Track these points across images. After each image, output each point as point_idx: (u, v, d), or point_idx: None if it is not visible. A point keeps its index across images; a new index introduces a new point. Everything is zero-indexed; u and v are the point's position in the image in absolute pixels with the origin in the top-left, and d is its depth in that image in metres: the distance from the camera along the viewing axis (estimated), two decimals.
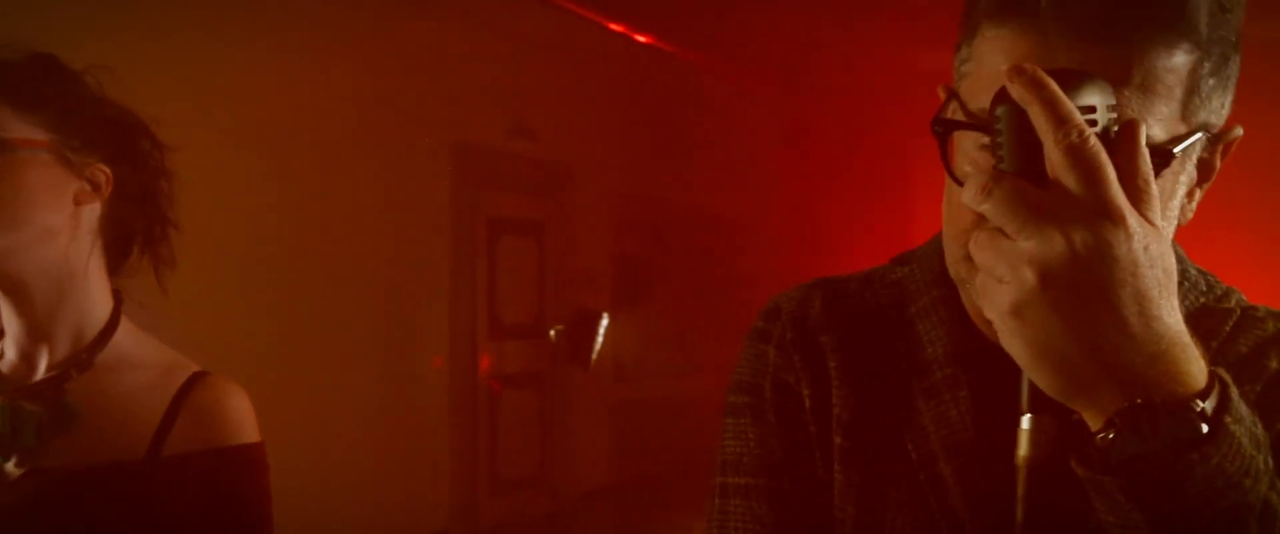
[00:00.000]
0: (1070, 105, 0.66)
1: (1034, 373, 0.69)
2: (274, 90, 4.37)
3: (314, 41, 4.63)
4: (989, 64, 0.81)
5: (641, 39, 6.69)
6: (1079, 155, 0.65)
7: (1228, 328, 0.91)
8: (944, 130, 0.81)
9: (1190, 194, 0.84)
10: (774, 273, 7.81)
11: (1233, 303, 0.94)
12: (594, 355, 6.07)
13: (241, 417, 1.29)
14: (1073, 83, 0.69)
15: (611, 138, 6.89)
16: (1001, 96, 0.69)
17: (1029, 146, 0.68)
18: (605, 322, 6.03)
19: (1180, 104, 0.78)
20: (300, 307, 4.56)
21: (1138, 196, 0.67)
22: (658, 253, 7.54)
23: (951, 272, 0.90)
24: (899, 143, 6.80)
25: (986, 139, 0.79)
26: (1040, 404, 0.72)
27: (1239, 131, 0.84)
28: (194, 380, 1.29)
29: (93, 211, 1.30)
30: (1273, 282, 3.38)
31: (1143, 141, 0.69)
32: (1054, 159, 0.66)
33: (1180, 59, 0.77)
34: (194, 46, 3.99)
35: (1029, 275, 0.66)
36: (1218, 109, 0.81)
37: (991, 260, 0.68)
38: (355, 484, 4.64)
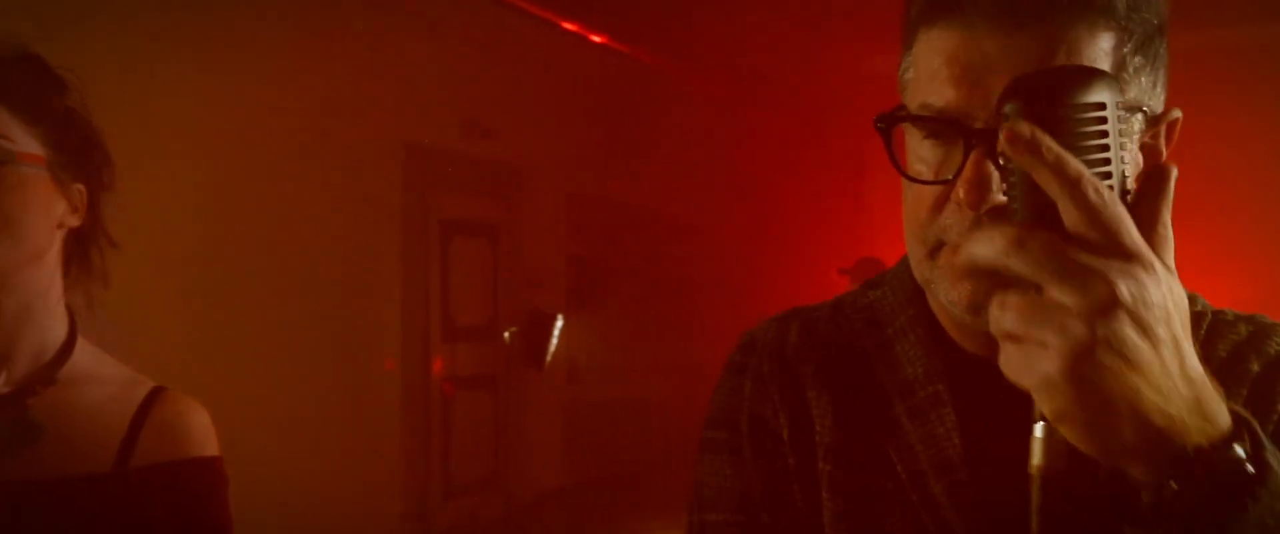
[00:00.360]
0: (1077, 164, 0.64)
1: (1087, 438, 0.64)
2: (221, 90, 4.30)
3: (262, 41, 4.57)
4: (924, 64, 0.84)
5: (596, 39, 6.68)
6: (1097, 213, 0.64)
7: (1201, 333, 0.92)
8: (886, 126, 0.85)
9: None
10: (728, 275, 7.83)
11: (1201, 307, 0.94)
12: (548, 357, 6.04)
13: (203, 431, 1.31)
14: (1082, 79, 0.68)
15: (565, 139, 6.87)
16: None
17: (1043, 196, 0.65)
18: (560, 323, 6.01)
19: None
20: (249, 310, 4.50)
21: (1159, 243, 0.68)
22: (612, 254, 7.53)
23: (916, 272, 0.90)
24: (855, 144, 6.84)
25: (924, 133, 0.84)
26: None
27: (1177, 113, 0.86)
28: (155, 395, 1.30)
29: (61, 233, 1.27)
30: (1235, 284, 3.43)
31: (1171, 188, 0.70)
32: (1072, 217, 0.64)
33: (1100, 37, 0.80)
34: (139, 47, 3.91)
35: (1080, 329, 0.62)
36: (1149, 89, 0.83)
37: (1027, 323, 0.64)
38: (307, 488, 4.58)
